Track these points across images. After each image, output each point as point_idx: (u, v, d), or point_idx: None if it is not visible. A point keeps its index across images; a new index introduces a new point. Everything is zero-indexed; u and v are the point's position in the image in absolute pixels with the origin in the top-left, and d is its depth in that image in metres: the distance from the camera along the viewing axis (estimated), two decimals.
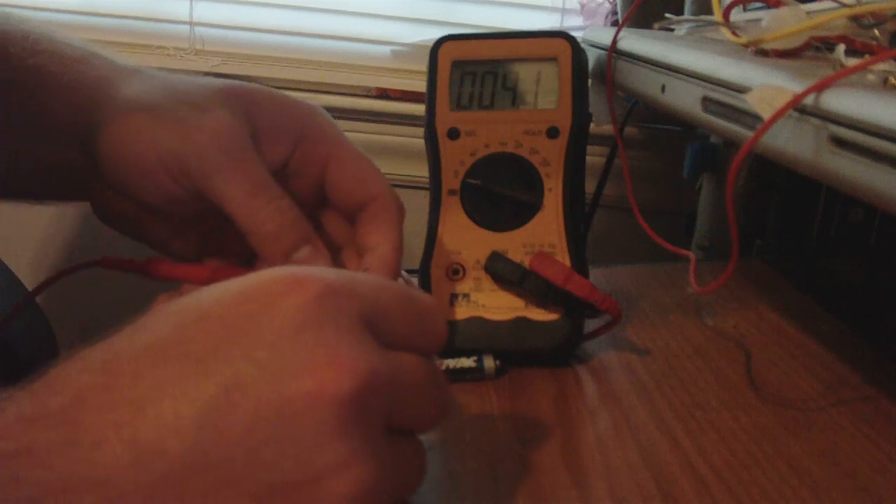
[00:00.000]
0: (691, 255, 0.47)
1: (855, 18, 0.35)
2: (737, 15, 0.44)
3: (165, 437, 0.23)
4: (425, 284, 0.45)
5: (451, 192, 0.46)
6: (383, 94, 0.86)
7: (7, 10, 0.42)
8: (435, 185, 0.46)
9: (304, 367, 0.24)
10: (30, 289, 0.55)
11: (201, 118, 0.36)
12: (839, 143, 0.28)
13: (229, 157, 0.36)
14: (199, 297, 0.26)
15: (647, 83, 0.47)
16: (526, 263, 0.44)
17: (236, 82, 0.40)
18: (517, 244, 0.45)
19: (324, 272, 0.26)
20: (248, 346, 0.24)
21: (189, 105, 0.37)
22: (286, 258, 0.36)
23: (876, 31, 0.35)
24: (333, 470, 0.23)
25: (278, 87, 0.88)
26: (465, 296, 0.45)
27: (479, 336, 0.44)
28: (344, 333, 0.25)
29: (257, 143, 0.37)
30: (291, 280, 0.25)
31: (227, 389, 0.23)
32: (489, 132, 0.46)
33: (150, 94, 0.38)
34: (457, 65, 0.46)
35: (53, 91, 0.38)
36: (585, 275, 0.44)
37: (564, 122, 0.45)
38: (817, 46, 0.36)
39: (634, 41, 0.51)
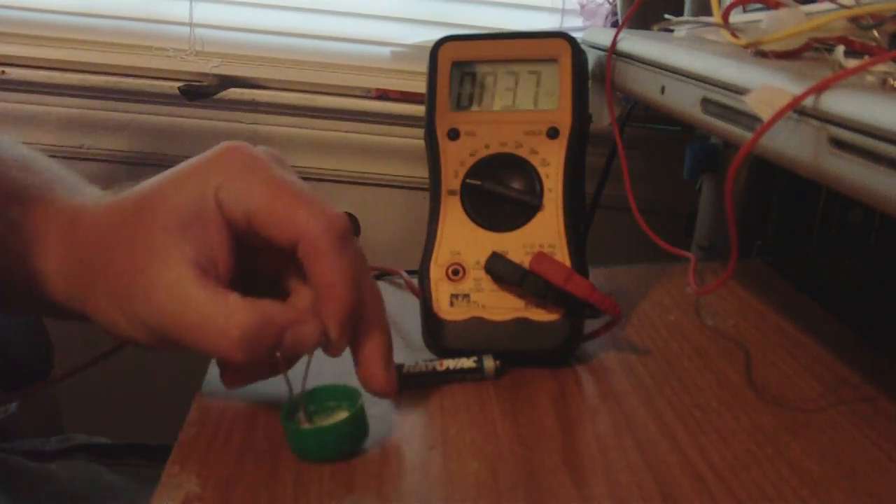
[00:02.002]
0: (691, 255, 0.47)
1: (854, 20, 0.35)
2: (736, 16, 0.44)
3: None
4: (425, 284, 0.45)
5: (451, 193, 0.46)
6: (383, 95, 0.86)
7: None
8: (435, 186, 0.46)
9: None
10: None
11: (143, 279, 0.36)
12: (838, 144, 0.28)
13: (170, 311, 0.35)
14: None
15: (646, 84, 0.47)
16: (526, 263, 0.44)
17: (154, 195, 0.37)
18: (517, 244, 0.45)
19: None
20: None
21: (129, 265, 0.36)
22: (275, 358, 0.36)
23: (875, 33, 0.35)
24: None
25: (278, 88, 0.88)
26: (465, 296, 0.45)
27: (479, 336, 0.44)
28: None
29: (206, 253, 0.36)
30: None
31: None
32: (489, 132, 0.46)
33: (91, 259, 0.37)
34: (457, 65, 0.46)
35: (9, 259, 0.39)
36: (585, 275, 0.45)
37: (564, 123, 0.45)
38: (817, 48, 0.36)
39: (634, 42, 0.51)
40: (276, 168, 0.37)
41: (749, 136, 0.32)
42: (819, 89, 0.29)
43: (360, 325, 0.37)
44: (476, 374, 0.43)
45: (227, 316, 0.34)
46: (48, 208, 0.39)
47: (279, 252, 0.37)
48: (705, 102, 0.39)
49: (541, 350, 0.44)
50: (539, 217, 0.45)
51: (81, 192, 0.41)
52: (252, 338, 0.34)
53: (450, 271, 0.45)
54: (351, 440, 0.37)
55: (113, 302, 0.36)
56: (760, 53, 0.39)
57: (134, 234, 0.36)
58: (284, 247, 0.36)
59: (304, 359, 0.37)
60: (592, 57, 0.56)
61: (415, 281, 0.47)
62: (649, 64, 0.47)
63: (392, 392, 0.38)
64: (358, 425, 0.37)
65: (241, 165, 0.37)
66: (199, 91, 0.85)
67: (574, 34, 0.47)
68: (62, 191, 0.40)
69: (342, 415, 0.37)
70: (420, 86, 0.73)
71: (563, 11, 0.88)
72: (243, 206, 0.36)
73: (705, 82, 0.39)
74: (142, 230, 0.36)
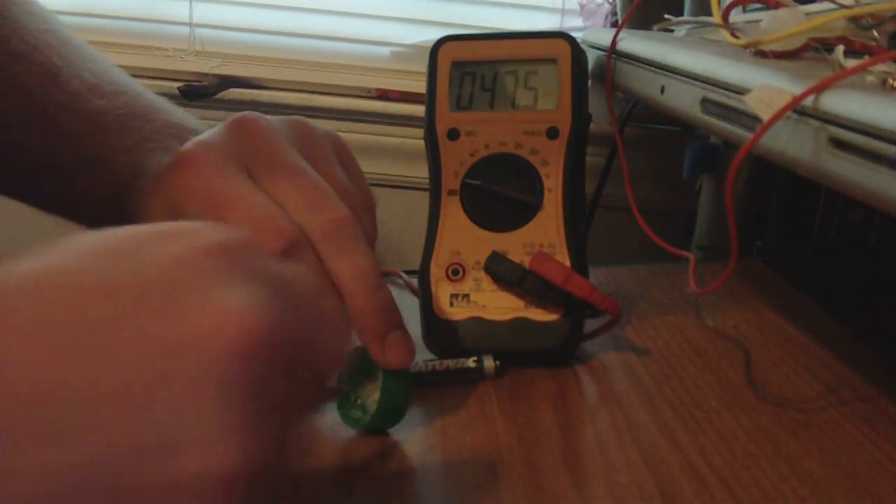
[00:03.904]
0: (691, 255, 0.47)
1: (854, 20, 0.35)
2: (736, 16, 0.44)
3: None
4: (425, 284, 0.45)
5: (451, 193, 0.46)
6: (383, 95, 0.86)
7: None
8: (435, 186, 0.46)
9: (190, 310, 0.21)
10: None
11: None
12: (838, 144, 0.28)
13: None
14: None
15: (646, 84, 0.47)
16: (526, 263, 0.44)
17: None
18: (517, 244, 0.45)
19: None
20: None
21: None
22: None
23: (875, 33, 0.35)
24: (199, 442, 0.20)
25: (278, 88, 0.88)
26: (465, 296, 0.45)
27: (479, 336, 0.44)
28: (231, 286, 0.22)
29: None
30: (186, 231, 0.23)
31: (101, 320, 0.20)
32: (489, 132, 0.46)
33: None
34: (457, 65, 0.46)
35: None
36: (585, 275, 0.45)
37: (564, 123, 0.45)
38: (816, 48, 0.36)
39: (634, 42, 0.51)
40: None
41: (749, 136, 0.32)
42: (819, 89, 0.29)
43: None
44: (476, 374, 0.43)
45: None
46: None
47: None
48: (705, 102, 0.39)
49: (541, 350, 0.44)
50: (539, 217, 0.45)
51: None
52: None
53: (450, 271, 0.45)
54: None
55: None
56: (760, 53, 0.39)
57: None
58: None
59: None
60: (592, 57, 0.56)
61: (414, 281, 0.47)
62: (649, 64, 0.47)
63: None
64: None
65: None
66: (199, 91, 0.85)
67: (574, 34, 0.47)
68: None
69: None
70: (420, 86, 0.73)
71: (563, 11, 0.88)
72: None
73: (705, 82, 0.39)
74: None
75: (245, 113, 0.38)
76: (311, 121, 0.40)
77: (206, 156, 0.36)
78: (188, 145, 0.37)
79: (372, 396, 0.37)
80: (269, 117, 0.38)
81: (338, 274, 0.35)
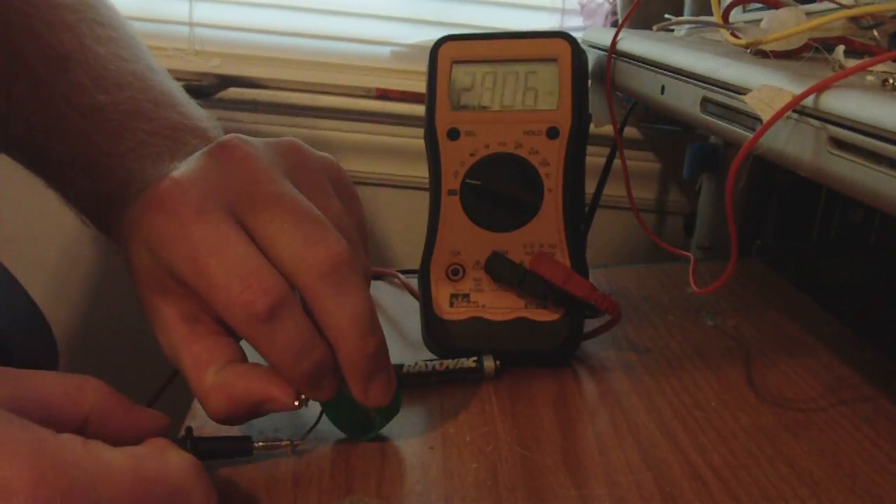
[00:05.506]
0: (691, 255, 0.47)
1: (854, 19, 0.35)
2: (736, 16, 0.44)
3: None
4: (425, 285, 0.45)
5: (451, 193, 0.46)
6: (383, 94, 0.86)
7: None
8: (435, 186, 0.46)
9: None
10: (29, 291, 0.55)
11: (149, 315, 0.37)
12: (838, 144, 0.28)
13: (169, 352, 0.36)
14: None
15: (646, 84, 0.47)
16: (526, 264, 0.44)
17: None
18: (517, 244, 0.45)
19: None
20: None
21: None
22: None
23: (875, 33, 0.35)
24: None
25: (278, 88, 0.88)
26: (465, 296, 0.45)
27: (479, 336, 0.44)
28: None
29: (189, 303, 0.35)
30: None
31: None
32: (489, 132, 0.46)
33: None
34: (457, 65, 0.46)
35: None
36: (585, 275, 0.45)
37: (564, 123, 0.45)
38: (817, 47, 0.36)
39: (634, 42, 0.51)
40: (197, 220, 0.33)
41: (749, 135, 0.32)
42: (819, 89, 0.29)
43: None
44: (476, 374, 0.43)
45: (203, 395, 0.34)
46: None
47: None
48: (705, 102, 0.39)
49: (541, 350, 0.44)
50: (539, 217, 0.45)
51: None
52: (225, 419, 0.35)
53: (450, 271, 0.45)
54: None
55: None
56: (760, 53, 0.39)
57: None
58: None
59: None
60: (592, 57, 0.56)
61: (412, 281, 0.47)
62: (649, 64, 0.47)
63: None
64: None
65: (166, 222, 0.33)
66: (199, 91, 0.85)
67: (574, 34, 0.47)
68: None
69: None
70: (420, 86, 0.72)
71: (563, 11, 0.88)
72: (178, 275, 0.33)
73: (705, 82, 0.39)
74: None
75: (229, 137, 0.35)
76: (305, 145, 0.38)
77: (184, 197, 0.33)
78: (165, 182, 0.34)
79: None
80: (257, 141, 0.36)
81: (331, 315, 0.33)
